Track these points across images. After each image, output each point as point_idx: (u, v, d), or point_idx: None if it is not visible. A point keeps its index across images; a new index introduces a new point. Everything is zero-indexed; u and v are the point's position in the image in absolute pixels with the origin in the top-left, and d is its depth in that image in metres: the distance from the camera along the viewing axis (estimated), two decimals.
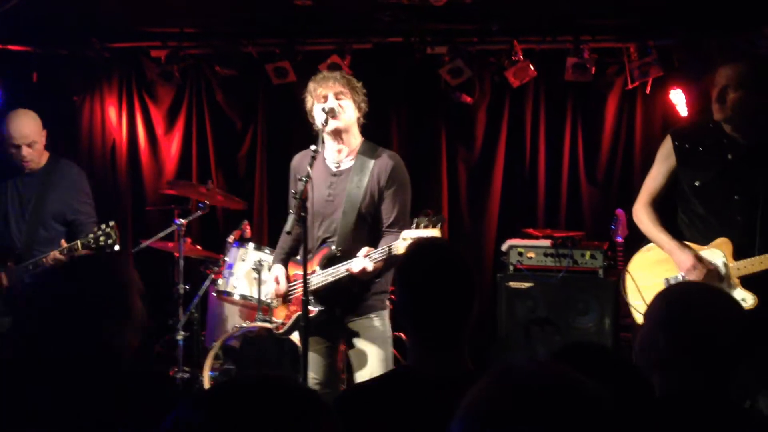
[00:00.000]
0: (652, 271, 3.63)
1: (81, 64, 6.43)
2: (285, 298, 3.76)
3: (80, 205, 4.29)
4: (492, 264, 6.14)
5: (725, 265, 3.44)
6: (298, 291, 3.65)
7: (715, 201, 3.50)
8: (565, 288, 5.05)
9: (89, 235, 4.03)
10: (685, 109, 5.77)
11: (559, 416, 1.12)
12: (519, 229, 5.62)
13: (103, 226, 4.05)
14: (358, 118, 3.67)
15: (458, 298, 2.09)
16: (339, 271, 3.51)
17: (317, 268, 3.57)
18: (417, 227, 3.28)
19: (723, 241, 3.45)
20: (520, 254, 5.21)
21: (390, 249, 3.38)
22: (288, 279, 3.77)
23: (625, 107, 6.13)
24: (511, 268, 5.22)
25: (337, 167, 3.67)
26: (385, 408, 2.01)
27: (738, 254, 3.42)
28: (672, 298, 2.07)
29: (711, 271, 3.42)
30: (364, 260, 3.41)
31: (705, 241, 3.52)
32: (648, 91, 5.93)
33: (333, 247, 3.57)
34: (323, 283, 3.55)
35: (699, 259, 3.44)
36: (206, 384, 4.77)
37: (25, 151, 4.23)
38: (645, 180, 3.74)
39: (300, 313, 3.55)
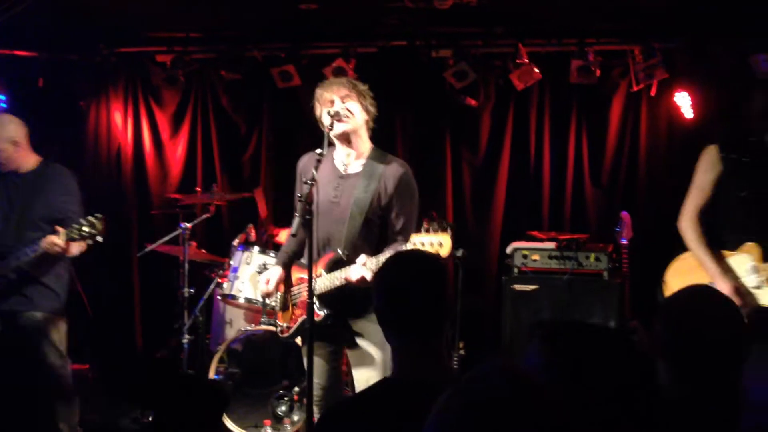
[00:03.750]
0: (689, 277, 3.65)
1: (87, 69, 6.47)
2: (286, 303, 3.76)
3: (68, 204, 4.27)
4: (497, 266, 6.13)
5: (754, 267, 3.54)
6: (303, 295, 3.64)
7: (758, 213, 3.60)
8: (570, 290, 5.04)
9: (73, 226, 4.01)
10: (690, 111, 5.76)
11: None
12: (524, 231, 5.62)
13: (88, 218, 4.03)
14: (367, 122, 3.66)
15: (435, 303, 2.10)
16: (341, 276, 3.50)
17: (323, 271, 3.55)
18: (427, 232, 3.26)
19: (751, 246, 3.57)
20: (525, 257, 5.20)
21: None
22: (291, 283, 3.77)
23: (630, 110, 6.11)
24: (516, 270, 5.22)
25: (344, 170, 3.66)
26: (373, 419, 2.00)
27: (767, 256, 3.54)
28: (676, 294, 2.17)
29: (747, 296, 3.53)
30: (362, 268, 3.39)
31: (736, 246, 3.63)
32: (653, 94, 5.92)
33: (339, 251, 3.55)
34: (329, 288, 3.53)
35: (737, 290, 3.52)
36: None
37: (11, 150, 4.25)
38: (690, 191, 3.79)
39: (305, 317, 3.56)
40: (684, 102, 5.77)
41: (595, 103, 6.17)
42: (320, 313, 3.52)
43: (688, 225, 3.74)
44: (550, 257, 5.16)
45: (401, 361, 2.11)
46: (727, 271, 3.60)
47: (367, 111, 3.65)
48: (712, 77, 5.70)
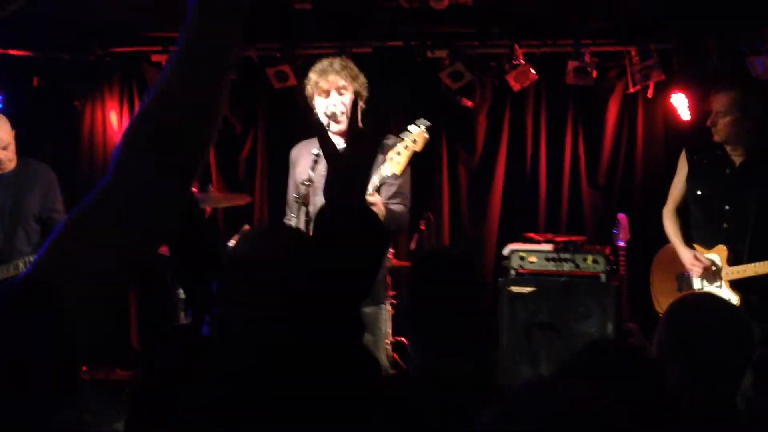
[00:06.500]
0: (669, 267, 4.28)
1: (82, 69, 6.43)
2: None
3: (55, 203, 4.36)
4: (493, 268, 6.11)
5: (719, 268, 4.01)
6: None
7: (709, 210, 4.10)
8: (567, 292, 5.02)
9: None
10: (687, 113, 5.75)
11: None
12: (520, 233, 5.60)
13: None
14: (360, 107, 3.66)
15: (462, 304, 2.14)
16: None
17: None
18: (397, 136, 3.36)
19: (721, 248, 4.02)
20: (522, 258, 5.18)
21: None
22: None
23: (627, 111, 6.11)
24: (513, 272, 5.19)
25: None
26: (389, 411, 1.99)
27: (732, 260, 3.97)
28: (677, 301, 2.20)
29: (707, 268, 4.01)
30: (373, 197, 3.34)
31: (706, 244, 4.09)
32: (649, 95, 5.91)
33: None
34: None
35: (697, 257, 4.04)
36: None
37: (2, 154, 4.28)
38: (670, 188, 4.37)
39: None
40: (681, 104, 5.76)
41: (592, 104, 6.16)
42: None
43: (665, 216, 4.33)
44: (547, 259, 5.14)
45: (422, 357, 2.15)
46: (688, 246, 4.13)
47: (360, 97, 3.66)
48: (709, 79, 5.69)
